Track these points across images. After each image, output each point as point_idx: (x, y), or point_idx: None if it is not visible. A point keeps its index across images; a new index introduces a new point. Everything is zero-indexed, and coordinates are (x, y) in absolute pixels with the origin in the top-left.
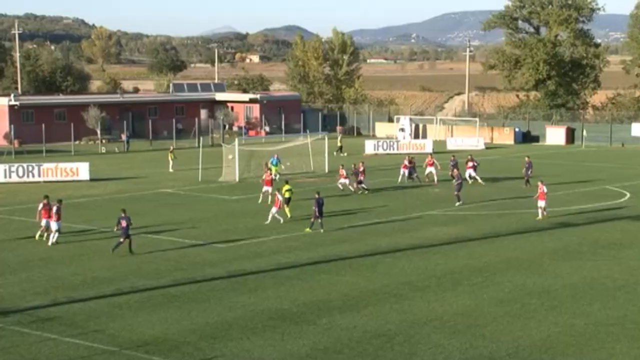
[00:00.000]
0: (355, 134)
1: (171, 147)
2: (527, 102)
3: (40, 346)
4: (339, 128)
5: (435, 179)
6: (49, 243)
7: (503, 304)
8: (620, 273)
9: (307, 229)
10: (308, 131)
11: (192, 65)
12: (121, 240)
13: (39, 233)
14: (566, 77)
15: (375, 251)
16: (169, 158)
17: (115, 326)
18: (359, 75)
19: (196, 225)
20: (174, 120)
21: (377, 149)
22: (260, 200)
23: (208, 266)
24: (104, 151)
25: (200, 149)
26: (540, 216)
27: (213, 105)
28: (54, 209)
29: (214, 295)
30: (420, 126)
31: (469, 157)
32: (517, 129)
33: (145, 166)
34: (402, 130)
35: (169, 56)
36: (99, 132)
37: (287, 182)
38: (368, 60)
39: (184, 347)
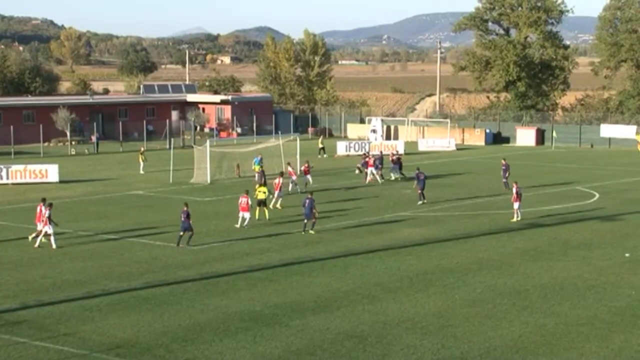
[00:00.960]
0: (327, 135)
1: (142, 149)
2: (497, 104)
3: (9, 350)
4: (310, 129)
5: (379, 179)
6: (53, 246)
7: (475, 305)
8: (590, 273)
9: (311, 231)
10: (280, 132)
11: (163, 66)
12: (181, 233)
13: (33, 235)
14: (536, 79)
15: (348, 252)
16: (140, 160)
17: (86, 329)
18: (330, 76)
19: (167, 227)
20: (144, 122)
21: (349, 150)
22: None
23: (180, 268)
24: (73, 153)
25: (172, 151)
26: (515, 218)
27: (184, 107)
28: (46, 213)
29: (186, 298)
30: (392, 127)
31: (392, 153)
32: (487, 130)
33: (115, 168)
34: (374, 131)
35: (140, 57)
36: (68, 133)
37: (264, 184)
38: (340, 62)
39: (155, 349)
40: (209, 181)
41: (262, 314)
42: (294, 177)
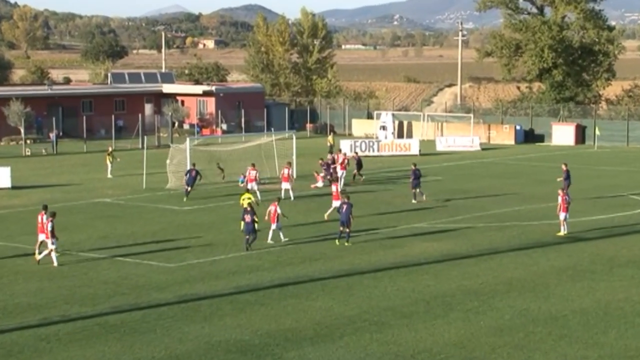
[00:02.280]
0: (328, 132)
1: (110, 149)
2: (529, 95)
3: None
4: (309, 126)
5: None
6: (55, 263)
7: (503, 333)
8: (639, 296)
9: (347, 243)
10: (273, 129)
11: (135, 51)
12: (247, 237)
13: (37, 250)
14: (575, 66)
15: (352, 271)
16: (107, 161)
17: None
18: (332, 63)
19: (140, 241)
20: (113, 117)
21: (354, 150)
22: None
23: (154, 290)
24: (28, 153)
25: (145, 151)
26: (562, 231)
27: (160, 99)
28: (48, 225)
29: (161, 325)
30: (405, 123)
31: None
32: (518, 127)
33: (78, 171)
34: (384, 128)
35: (107, 40)
36: (22, 130)
37: (248, 191)
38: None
39: None
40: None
41: (251, 344)
42: (288, 184)
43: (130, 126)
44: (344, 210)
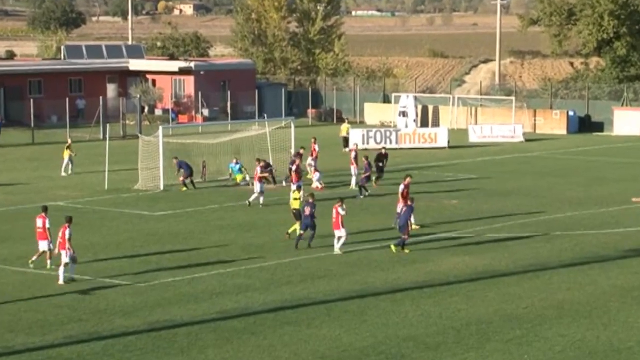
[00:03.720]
0: (334, 119)
1: (69, 141)
2: (585, 74)
3: None
4: (311, 111)
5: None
6: (62, 281)
7: None
8: None
9: (406, 250)
10: (266, 116)
11: (95, 18)
12: (302, 232)
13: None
14: None
15: (365, 291)
16: (64, 155)
17: None
18: (340, 34)
19: (101, 254)
20: (67, 100)
21: (367, 142)
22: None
23: (119, 315)
24: None
25: (107, 143)
26: None
27: (126, 78)
28: (66, 232)
29: (128, 359)
30: (430, 109)
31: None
32: (571, 113)
33: (24, 167)
34: (404, 114)
35: (60, 5)
36: None
37: (300, 188)
38: (354, 13)
39: None
40: (162, 187)
41: None
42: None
43: (89, 112)
44: (404, 212)
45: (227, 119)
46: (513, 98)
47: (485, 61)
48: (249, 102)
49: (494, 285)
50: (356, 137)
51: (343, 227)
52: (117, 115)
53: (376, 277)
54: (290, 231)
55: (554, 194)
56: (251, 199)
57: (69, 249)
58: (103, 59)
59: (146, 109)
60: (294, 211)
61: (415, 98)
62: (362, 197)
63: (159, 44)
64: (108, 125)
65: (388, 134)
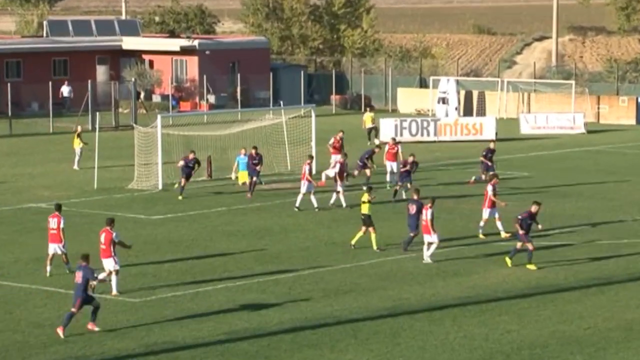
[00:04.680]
0: (362, 107)
1: (78, 128)
2: None
3: None
4: (335, 97)
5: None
6: (114, 291)
7: None
8: None
9: (529, 266)
10: (282, 103)
11: None
12: (413, 234)
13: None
14: None
15: (398, 309)
16: (75, 145)
17: None
18: (369, 7)
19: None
20: (50, 85)
21: (401, 134)
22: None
23: (110, 336)
24: None
25: (97, 134)
26: None
27: (118, 59)
28: (112, 236)
29: None
30: (475, 94)
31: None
32: None
33: (1, 163)
34: (444, 101)
35: None
36: None
37: (370, 189)
38: None
39: None
40: (160, 186)
41: None
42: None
43: (76, 99)
44: (524, 217)
45: (237, 106)
46: (572, 82)
47: (540, 38)
48: (262, 87)
49: (550, 302)
50: (387, 128)
51: (435, 231)
52: (108, 103)
53: (411, 292)
54: (353, 242)
55: (621, 195)
56: (298, 203)
57: (114, 255)
58: (92, 36)
59: (142, 95)
60: (363, 216)
61: (457, 82)
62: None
63: (157, 18)
64: (98, 113)
65: (425, 124)
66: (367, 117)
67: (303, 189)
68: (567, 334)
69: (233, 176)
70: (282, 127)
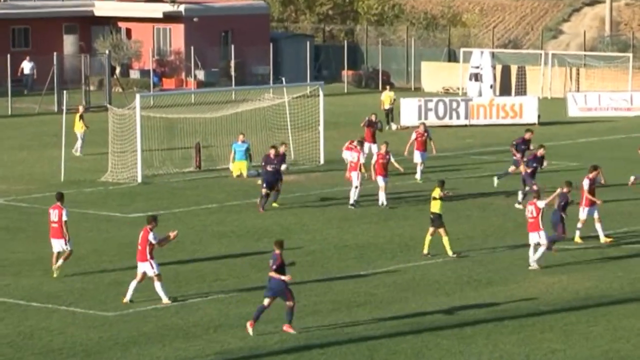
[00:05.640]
0: (379, 85)
1: (80, 108)
2: None
3: None
4: (347, 73)
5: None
6: (166, 299)
7: None
8: None
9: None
10: (284, 80)
11: None
12: (564, 235)
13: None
14: None
15: (422, 325)
16: (76, 128)
17: None
18: None
19: (54, 272)
20: (8, 58)
21: (425, 116)
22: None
23: (80, 356)
24: None
25: (64, 117)
26: None
27: (89, 28)
28: (149, 237)
29: None
30: (514, 70)
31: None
32: None
33: None
34: (477, 77)
35: None
36: None
37: (442, 183)
38: None
39: None
40: (139, 179)
41: None
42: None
43: (40, 74)
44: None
45: (231, 84)
46: (630, 54)
47: (591, 3)
48: (261, 61)
49: (601, 317)
50: (409, 110)
51: (543, 229)
52: (77, 79)
53: (437, 305)
54: (425, 250)
55: None
56: (354, 198)
57: (150, 259)
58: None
59: (118, 71)
60: (432, 216)
61: (493, 55)
62: None
63: None
64: (65, 92)
65: (454, 105)
66: (386, 97)
67: (355, 182)
68: (622, 354)
69: (231, 167)
70: (284, 108)
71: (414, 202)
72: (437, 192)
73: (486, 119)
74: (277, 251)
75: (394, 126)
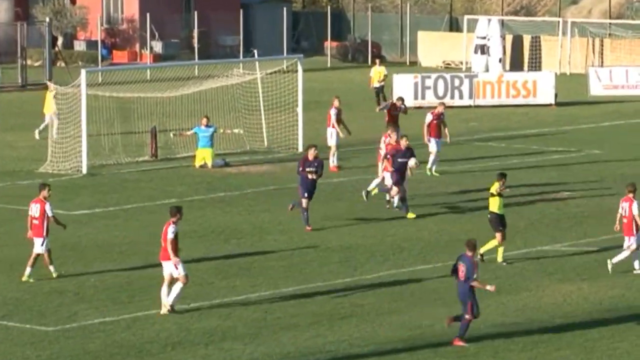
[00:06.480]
0: (368, 58)
1: (51, 86)
2: None
3: None
4: (330, 44)
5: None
6: (168, 306)
7: None
8: None
9: None
10: (257, 52)
11: None
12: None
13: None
14: None
15: (417, 340)
16: (47, 109)
17: None
18: None
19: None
20: None
21: (423, 95)
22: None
23: None
24: None
25: None
26: None
27: None
28: (170, 231)
29: None
30: (527, 41)
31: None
32: None
33: None
34: (483, 50)
35: None
36: None
37: (503, 176)
38: None
39: None
40: (84, 169)
41: None
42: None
43: None
44: None
45: (193, 57)
46: None
47: None
48: (229, 30)
49: (629, 331)
50: (404, 87)
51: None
52: (12, 52)
53: (435, 317)
54: (483, 251)
55: None
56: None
57: (174, 257)
58: None
59: (60, 41)
60: (491, 215)
61: (502, 23)
62: None
63: None
64: None
65: (457, 82)
66: (376, 73)
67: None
68: None
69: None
70: (257, 86)
71: (412, 196)
72: (495, 187)
73: (494, 98)
74: (470, 253)
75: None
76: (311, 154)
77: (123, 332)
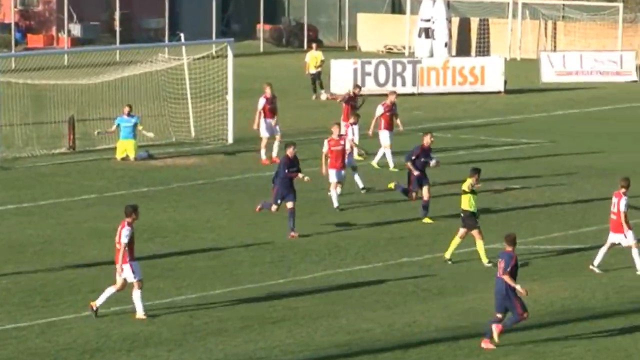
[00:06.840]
0: (304, 43)
1: None
2: None
3: None
4: (263, 27)
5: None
6: (140, 312)
7: None
8: None
9: None
10: (183, 36)
11: None
12: None
13: None
14: None
15: (355, 346)
16: None
17: None
18: None
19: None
20: None
21: (363, 82)
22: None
23: None
24: None
25: None
26: None
27: None
28: (123, 233)
29: None
30: (475, 23)
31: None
32: None
33: None
34: (428, 33)
35: None
36: None
37: (477, 171)
38: None
39: None
40: None
41: None
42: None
43: None
44: None
45: (115, 42)
46: (620, 4)
47: None
48: (153, 12)
49: (581, 335)
50: (342, 74)
51: (630, 228)
52: None
53: (375, 321)
54: (448, 255)
55: None
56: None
57: (130, 261)
58: None
59: None
60: (464, 214)
61: (448, 5)
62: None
63: None
64: None
65: (399, 68)
66: (312, 58)
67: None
68: None
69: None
70: (183, 72)
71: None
72: (467, 184)
73: (439, 85)
74: (510, 248)
75: (323, 95)
76: (290, 153)
77: (37, 338)
